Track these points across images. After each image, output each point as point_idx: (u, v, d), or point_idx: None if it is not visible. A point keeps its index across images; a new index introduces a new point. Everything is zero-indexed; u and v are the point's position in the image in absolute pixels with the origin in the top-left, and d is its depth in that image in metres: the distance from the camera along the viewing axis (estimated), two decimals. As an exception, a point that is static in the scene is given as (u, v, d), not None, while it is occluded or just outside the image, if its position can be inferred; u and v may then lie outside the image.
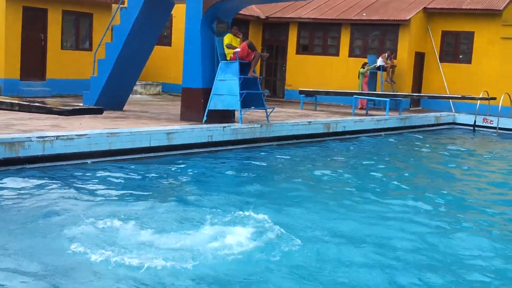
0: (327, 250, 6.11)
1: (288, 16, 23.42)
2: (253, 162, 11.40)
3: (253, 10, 23.66)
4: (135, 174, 9.55)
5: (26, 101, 8.76)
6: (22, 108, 8.47)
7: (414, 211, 8.06)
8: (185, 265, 5.39)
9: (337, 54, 22.57)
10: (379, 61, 20.53)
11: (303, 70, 23.05)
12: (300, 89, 19.71)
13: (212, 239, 6.10)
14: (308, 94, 19.18)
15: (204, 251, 5.74)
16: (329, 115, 16.83)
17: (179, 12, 18.75)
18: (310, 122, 14.72)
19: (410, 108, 21.08)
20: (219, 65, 13.15)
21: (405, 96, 19.09)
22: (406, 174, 11.27)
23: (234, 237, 6.16)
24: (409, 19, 20.86)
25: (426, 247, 6.50)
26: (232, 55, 13.15)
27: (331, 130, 15.08)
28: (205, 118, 12.98)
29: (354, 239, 6.55)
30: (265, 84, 23.57)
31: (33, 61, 18.11)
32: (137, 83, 18.70)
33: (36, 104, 8.44)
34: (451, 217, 7.87)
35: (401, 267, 5.75)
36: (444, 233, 7.10)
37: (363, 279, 5.39)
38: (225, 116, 13.37)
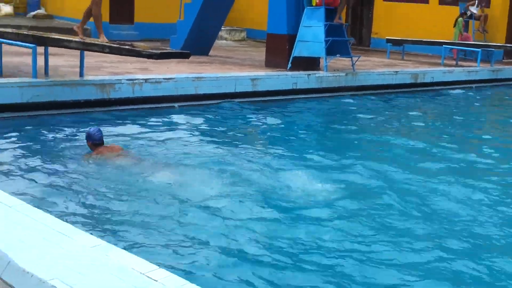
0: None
1: (377, -39, 22.65)
2: (336, 111, 11.30)
3: (341, -45, 23.00)
4: (220, 119, 9.68)
5: (116, 44, 8.94)
6: (112, 51, 8.65)
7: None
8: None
9: (426, 1, 21.72)
10: (473, 9, 19.63)
11: (390, 18, 22.37)
12: (387, 37, 19.19)
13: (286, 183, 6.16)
14: (396, 43, 18.65)
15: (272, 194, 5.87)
16: (417, 65, 16.35)
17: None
18: (397, 72, 14.36)
19: (504, 60, 20.17)
20: (305, 10, 12.94)
21: (498, 47, 18.24)
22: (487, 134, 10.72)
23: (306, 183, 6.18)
24: (507, -35, 19.74)
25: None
26: (317, 1, 12.90)
27: (419, 81, 14.66)
28: (289, 65, 12.89)
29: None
30: (351, 31, 23.08)
31: (122, 4, 18.45)
32: (222, 28, 18.73)
33: (126, 47, 8.59)
34: None
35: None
36: None
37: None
38: (310, 63, 13.22)
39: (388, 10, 22.52)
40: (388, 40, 18.63)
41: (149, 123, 8.86)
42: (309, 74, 12.37)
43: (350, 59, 13.61)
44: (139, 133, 8.20)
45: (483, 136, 9.80)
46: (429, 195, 6.13)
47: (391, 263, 4.53)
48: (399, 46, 18.81)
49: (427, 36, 20.13)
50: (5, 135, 7.42)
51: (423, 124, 10.49)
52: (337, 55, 13.14)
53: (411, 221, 5.40)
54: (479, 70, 16.57)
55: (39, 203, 4.96)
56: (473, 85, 16.03)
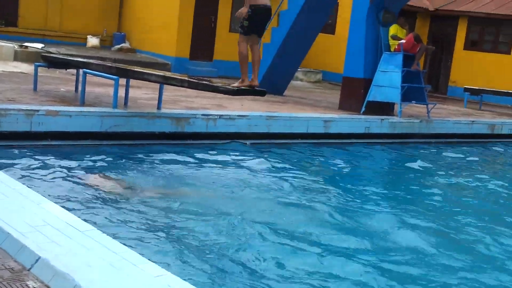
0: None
1: (459, 9, 22.46)
2: (406, 159, 11.14)
3: (422, 1, 22.99)
4: (289, 159, 9.72)
5: (195, 79, 9.19)
6: (190, 85, 8.89)
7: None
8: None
9: (508, 52, 21.32)
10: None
11: (469, 66, 22.04)
12: (465, 86, 18.88)
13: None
14: (473, 92, 18.30)
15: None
16: (495, 116, 15.97)
17: (345, 1, 18.67)
18: (473, 121, 14.07)
19: None
20: (382, 56, 12.95)
21: None
22: None
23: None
24: None
25: None
26: (396, 47, 12.90)
27: (495, 132, 14.30)
28: (363, 109, 12.86)
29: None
30: (428, 78, 22.84)
31: (202, 42, 18.96)
32: (298, 70, 18.92)
33: (203, 82, 8.83)
34: None
35: None
36: None
37: None
38: (384, 108, 13.15)
39: (467, 59, 22.21)
40: (466, 89, 18.32)
41: (219, 158, 8.99)
42: (383, 119, 12.30)
43: (425, 106, 13.46)
44: (208, 167, 8.35)
45: None
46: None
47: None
48: (477, 96, 18.45)
49: (507, 88, 19.68)
50: (83, 162, 7.71)
51: (496, 178, 10.16)
52: (413, 101, 13.03)
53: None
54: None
55: (108, 229, 5.12)
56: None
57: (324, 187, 8.08)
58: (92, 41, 20.17)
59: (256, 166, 8.75)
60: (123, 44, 20.36)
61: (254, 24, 8.67)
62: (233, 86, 8.61)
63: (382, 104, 13.06)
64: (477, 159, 11.93)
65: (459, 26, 22.64)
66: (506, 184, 9.68)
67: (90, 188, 6.59)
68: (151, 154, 8.56)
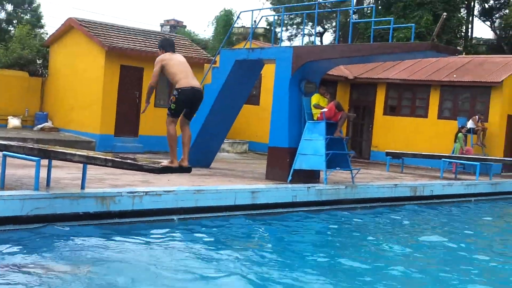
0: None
1: (377, 76, 23.44)
2: (334, 225, 11.28)
3: (341, 70, 23.86)
4: (219, 232, 9.67)
5: (119, 158, 9.09)
6: (114, 165, 8.79)
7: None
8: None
9: (425, 115, 22.26)
10: (470, 124, 20.08)
11: (390, 131, 22.84)
12: (386, 150, 19.50)
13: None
14: (395, 156, 18.91)
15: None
16: (416, 178, 16.50)
17: (268, 72, 19.16)
18: (396, 184, 14.48)
19: (502, 173, 20.34)
20: (306, 124, 13.27)
21: (496, 160, 18.48)
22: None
23: None
24: (502, 81, 20.36)
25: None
26: (319, 115, 13.26)
27: (417, 194, 14.75)
28: (290, 177, 13.03)
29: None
30: (351, 144, 23.49)
31: (127, 118, 18.90)
32: (224, 141, 19.07)
33: (128, 161, 8.74)
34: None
35: None
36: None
37: None
38: (310, 176, 13.38)
39: (387, 124, 23.03)
40: (388, 153, 18.92)
41: (145, 235, 8.84)
42: (309, 187, 12.47)
43: (350, 171, 13.76)
44: (133, 246, 8.18)
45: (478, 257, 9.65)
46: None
47: None
48: (398, 159, 19.05)
49: (426, 149, 20.48)
50: (3, 249, 7.41)
51: (422, 240, 10.42)
52: (337, 168, 13.31)
53: None
54: (478, 183, 16.70)
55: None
56: (472, 199, 16.09)
57: (253, 259, 8.04)
58: (13, 121, 19.76)
59: (183, 243, 8.66)
60: (45, 124, 20.02)
61: (180, 106, 8.68)
62: (162, 165, 8.56)
63: (308, 172, 13.29)
64: (406, 221, 12.20)
65: (378, 92, 23.56)
66: (434, 245, 9.93)
67: (8, 276, 6.32)
68: (73, 236, 8.33)
